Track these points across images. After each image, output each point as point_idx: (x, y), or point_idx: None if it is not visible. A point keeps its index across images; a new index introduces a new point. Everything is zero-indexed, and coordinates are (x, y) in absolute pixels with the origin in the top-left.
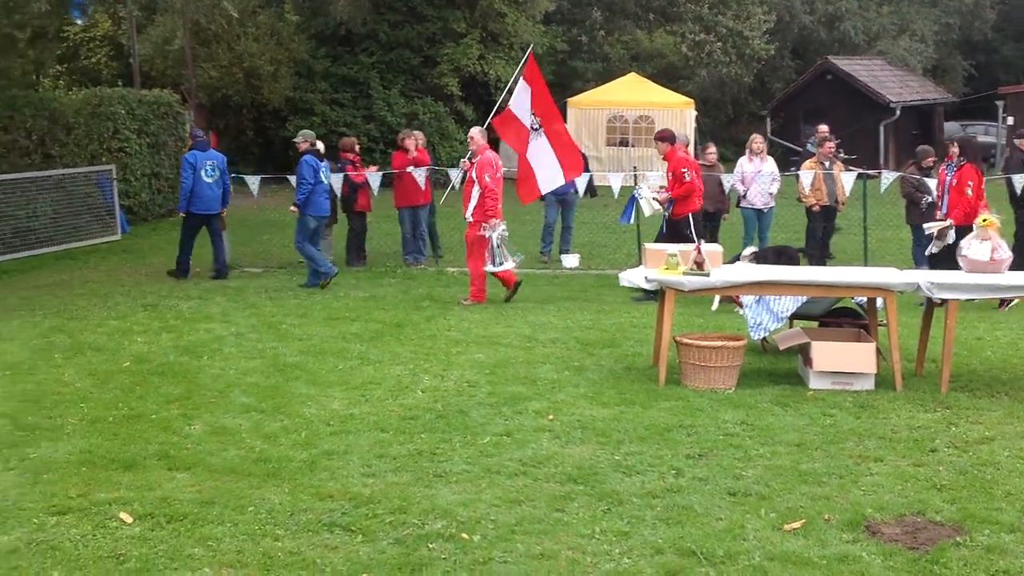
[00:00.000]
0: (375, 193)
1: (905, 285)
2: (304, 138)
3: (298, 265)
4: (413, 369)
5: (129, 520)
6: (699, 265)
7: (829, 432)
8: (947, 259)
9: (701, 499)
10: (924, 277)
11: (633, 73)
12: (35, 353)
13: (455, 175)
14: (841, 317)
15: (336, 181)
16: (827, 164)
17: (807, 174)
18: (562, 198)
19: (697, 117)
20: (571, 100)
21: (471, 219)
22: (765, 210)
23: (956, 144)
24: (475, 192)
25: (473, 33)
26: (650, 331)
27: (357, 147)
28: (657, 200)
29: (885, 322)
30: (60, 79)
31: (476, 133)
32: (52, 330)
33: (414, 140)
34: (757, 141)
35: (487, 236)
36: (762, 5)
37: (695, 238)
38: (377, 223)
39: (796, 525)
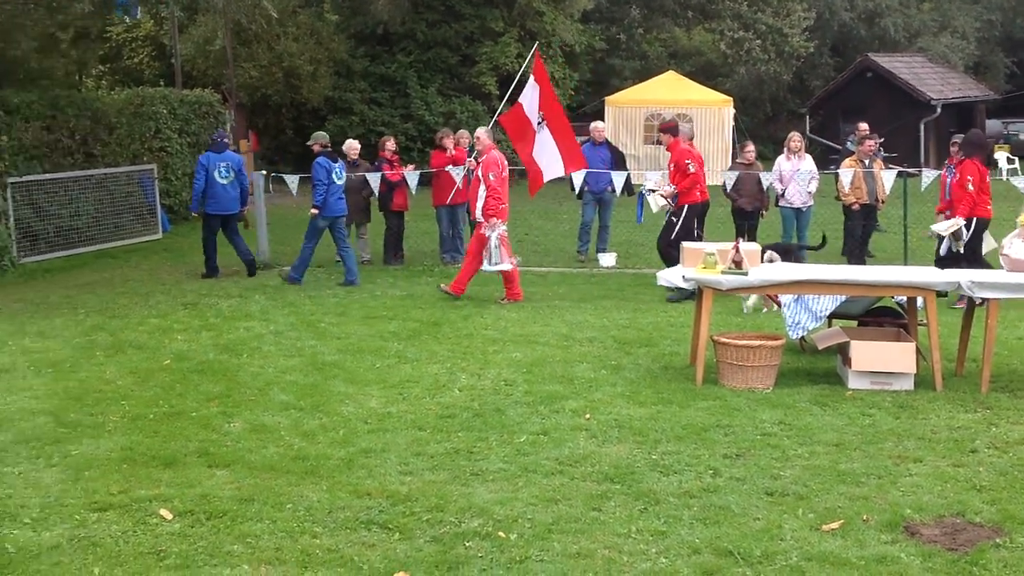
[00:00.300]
0: (413, 192)
1: (946, 284)
2: (315, 140)
3: (336, 264)
4: (450, 368)
5: (169, 517)
6: (737, 264)
7: (868, 432)
8: (956, 261)
9: (738, 499)
10: (965, 276)
11: (671, 71)
12: (77, 351)
13: (457, 174)
14: (881, 316)
15: (374, 180)
16: (867, 162)
17: (847, 172)
18: (599, 197)
19: (735, 115)
20: (608, 98)
21: (481, 219)
22: (804, 209)
23: (955, 143)
24: (481, 191)
25: (511, 32)
26: (687, 330)
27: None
28: (663, 195)
29: (925, 321)
30: (103, 79)
31: (482, 133)
32: (94, 328)
33: (452, 139)
34: (795, 139)
35: (486, 235)
36: (802, 2)
37: (678, 228)
38: (415, 222)
39: (834, 525)
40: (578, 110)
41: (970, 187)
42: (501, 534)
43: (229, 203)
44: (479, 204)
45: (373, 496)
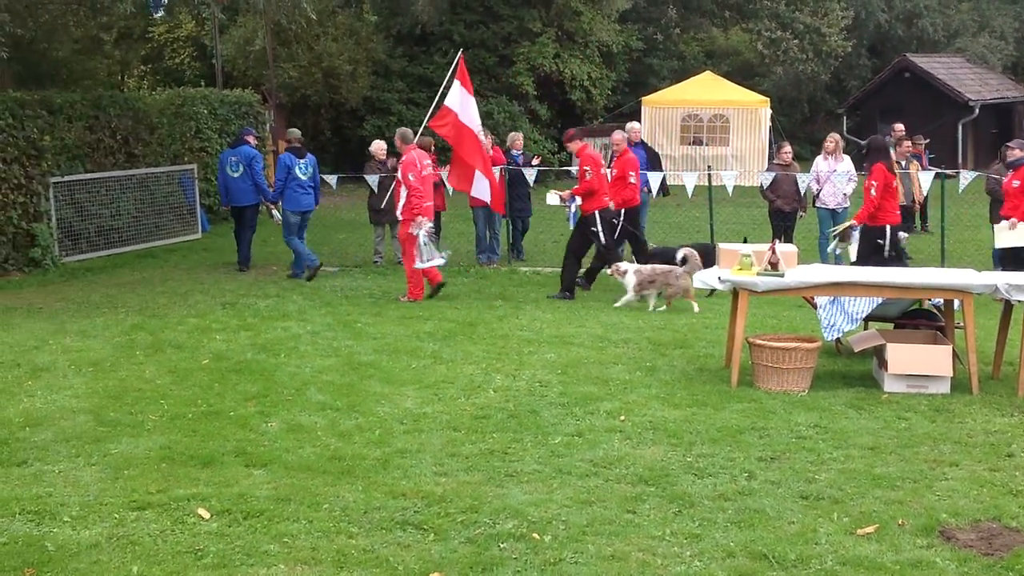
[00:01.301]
0: (450, 192)
1: (983, 287)
2: (288, 136)
3: (373, 264)
4: (485, 368)
5: (207, 516)
6: (773, 265)
7: (904, 436)
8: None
9: (773, 502)
10: (1002, 279)
11: (708, 71)
12: (117, 350)
13: (373, 180)
14: (917, 319)
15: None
16: (903, 163)
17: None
18: None
19: (772, 115)
20: (645, 99)
21: (401, 217)
22: (839, 210)
23: (1009, 147)
24: (403, 192)
25: (548, 32)
26: (722, 332)
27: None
28: (561, 196)
29: (962, 324)
30: (144, 79)
31: (400, 133)
32: (134, 328)
33: (490, 139)
34: (832, 140)
35: (415, 234)
36: (840, 1)
37: (601, 236)
38: (451, 222)
39: (869, 530)
40: (614, 110)
41: (873, 192)
42: (535, 536)
43: (239, 194)
44: (400, 203)
45: (408, 496)
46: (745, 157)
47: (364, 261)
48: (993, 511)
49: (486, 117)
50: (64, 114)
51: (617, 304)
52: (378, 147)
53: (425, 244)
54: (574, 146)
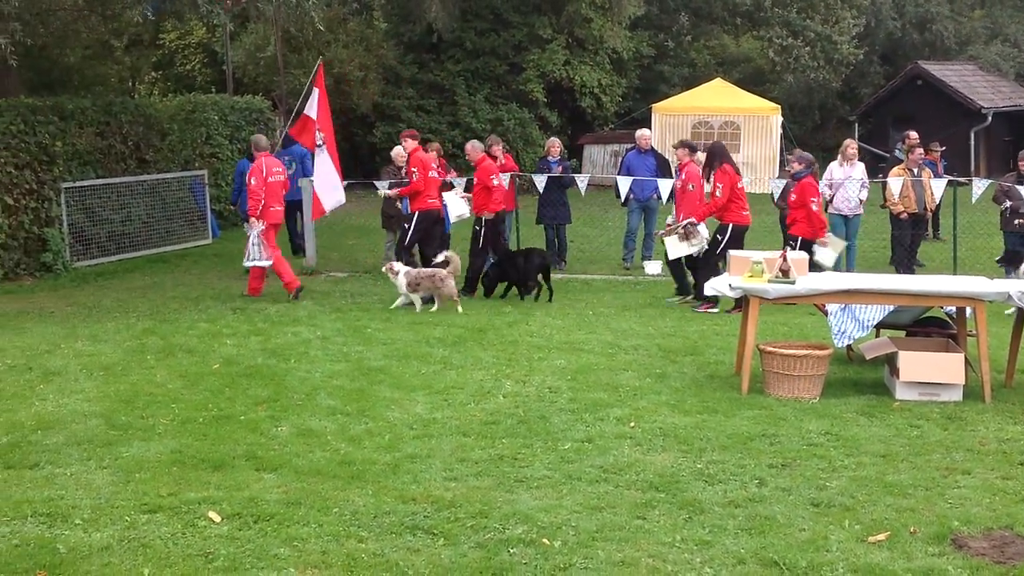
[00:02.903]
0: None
1: (996, 295)
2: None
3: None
4: (495, 374)
5: (217, 519)
6: (785, 273)
7: (916, 444)
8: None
9: (784, 509)
10: (1015, 287)
11: (719, 78)
12: (129, 354)
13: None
14: (929, 327)
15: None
16: (915, 171)
17: (896, 181)
18: (644, 204)
19: (783, 123)
20: (656, 105)
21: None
22: (851, 216)
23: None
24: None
25: (559, 39)
26: (733, 339)
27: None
28: (388, 195)
29: (974, 332)
30: (155, 85)
31: (252, 141)
32: (145, 332)
33: (501, 147)
34: (852, 146)
35: (247, 233)
36: (851, 9)
37: (408, 236)
38: (460, 228)
39: (881, 537)
40: (625, 117)
41: (718, 193)
42: (545, 541)
43: (292, 191)
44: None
45: (418, 501)
46: (756, 164)
47: (373, 266)
48: (1006, 519)
49: (496, 124)
50: (75, 120)
51: (393, 306)
52: (397, 153)
53: (254, 244)
54: (408, 145)
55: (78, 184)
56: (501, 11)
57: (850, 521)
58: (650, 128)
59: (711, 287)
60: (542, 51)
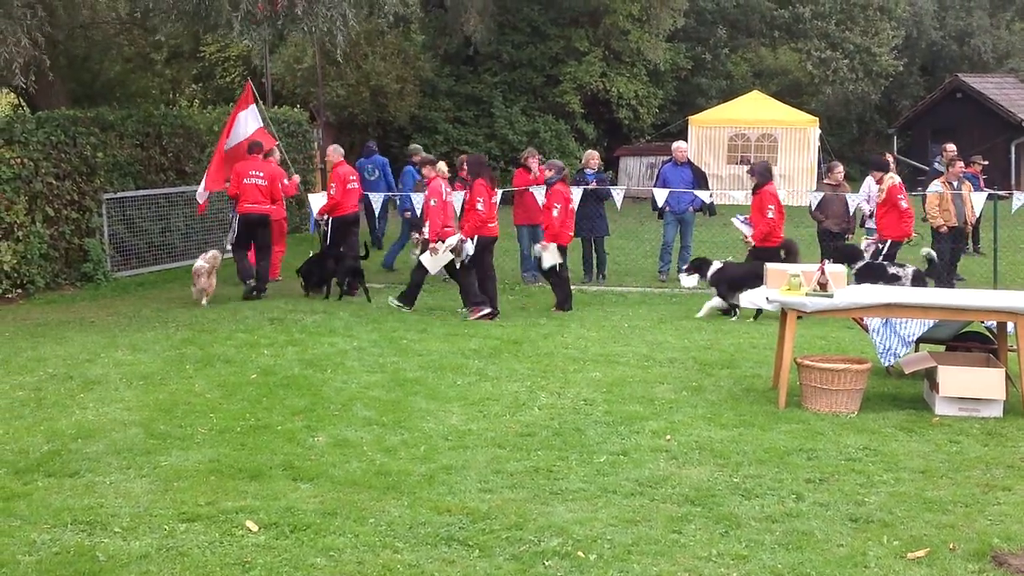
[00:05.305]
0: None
1: None
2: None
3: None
4: (530, 386)
5: (255, 528)
6: (823, 286)
7: (955, 459)
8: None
9: (822, 524)
10: None
11: (756, 90)
12: (168, 364)
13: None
14: (969, 341)
15: (457, 199)
16: (955, 184)
17: (935, 194)
18: (680, 216)
19: (821, 135)
20: (692, 118)
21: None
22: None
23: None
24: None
25: (596, 51)
26: (770, 352)
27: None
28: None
29: (1015, 347)
30: (195, 98)
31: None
32: (184, 342)
33: (537, 159)
34: (889, 158)
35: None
36: (891, 21)
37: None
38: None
39: (920, 554)
40: (661, 129)
41: (480, 207)
42: (580, 554)
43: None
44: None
45: (453, 513)
46: (793, 176)
47: (401, 279)
48: None
49: (533, 136)
50: (116, 131)
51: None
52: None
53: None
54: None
55: (119, 195)
56: (538, 24)
57: (889, 537)
58: (686, 140)
59: (748, 301)
60: (579, 63)
